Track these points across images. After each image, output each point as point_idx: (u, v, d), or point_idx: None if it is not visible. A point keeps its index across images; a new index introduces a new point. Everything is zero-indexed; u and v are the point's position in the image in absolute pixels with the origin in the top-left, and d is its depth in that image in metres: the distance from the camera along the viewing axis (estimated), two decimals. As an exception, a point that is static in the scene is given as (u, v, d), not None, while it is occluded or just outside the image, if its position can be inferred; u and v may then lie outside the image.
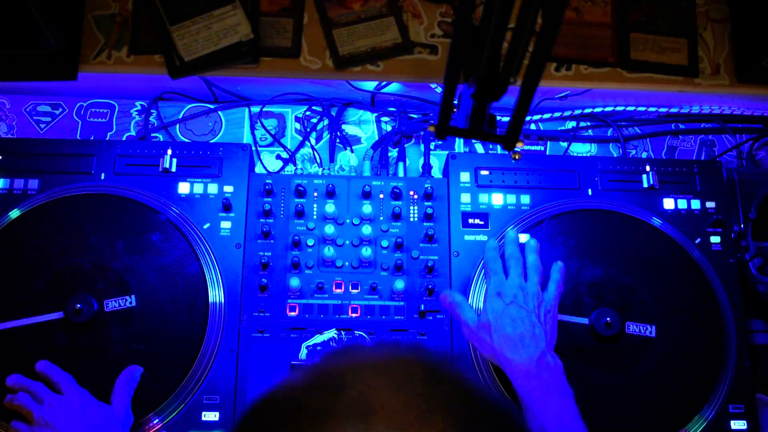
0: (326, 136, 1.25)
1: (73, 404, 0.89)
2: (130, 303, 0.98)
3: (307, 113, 1.26)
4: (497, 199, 1.08)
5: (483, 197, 1.08)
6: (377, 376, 0.36)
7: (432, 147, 1.23)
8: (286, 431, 0.34)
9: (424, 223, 1.06)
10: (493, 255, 0.96)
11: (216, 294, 1.00)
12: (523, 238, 1.05)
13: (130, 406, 0.92)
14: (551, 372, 0.83)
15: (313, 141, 1.24)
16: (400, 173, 1.19)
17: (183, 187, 1.06)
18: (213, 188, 1.06)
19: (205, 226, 1.03)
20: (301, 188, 1.06)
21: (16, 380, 0.92)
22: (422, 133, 1.24)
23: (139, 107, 1.26)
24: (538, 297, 0.90)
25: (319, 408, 0.34)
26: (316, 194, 1.07)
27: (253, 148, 1.20)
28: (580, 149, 1.28)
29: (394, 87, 1.23)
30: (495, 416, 0.37)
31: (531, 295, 0.90)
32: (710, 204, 1.08)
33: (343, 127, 1.26)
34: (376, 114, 1.27)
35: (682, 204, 1.08)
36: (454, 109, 0.76)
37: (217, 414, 0.95)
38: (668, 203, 1.08)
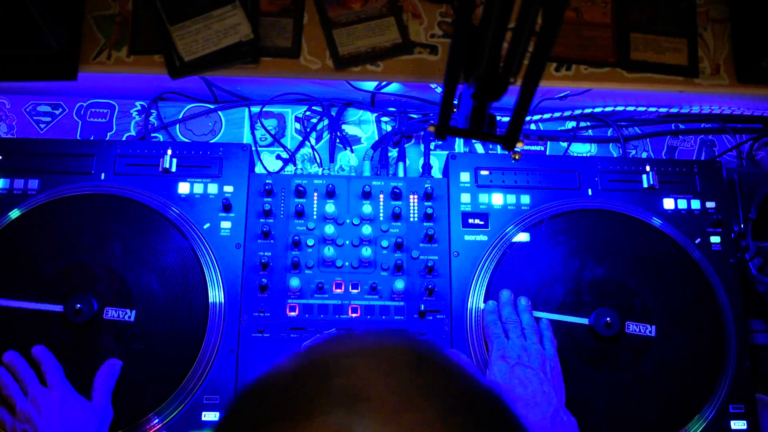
0: (326, 136, 1.25)
1: (55, 400, 0.89)
2: (129, 317, 0.97)
3: (307, 113, 1.26)
4: (497, 199, 1.08)
5: (483, 197, 1.08)
6: (365, 362, 0.36)
7: (432, 147, 1.23)
8: (273, 417, 0.33)
9: (424, 223, 1.06)
10: (492, 319, 0.99)
11: (216, 294, 1.00)
12: (524, 237, 1.05)
13: (110, 401, 0.93)
14: (565, 428, 0.85)
15: (313, 141, 1.24)
16: (400, 173, 1.19)
17: (183, 187, 1.06)
18: (213, 188, 1.06)
19: (205, 226, 1.03)
20: (301, 188, 1.06)
21: (11, 359, 0.93)
22: (422, 133, 1.24)
23: (139, 107, 1.26)
24: (541, 355, 0.93)
25: (306, 394, 0.34)
26: (316, 194, 1.07)
27: (253, 148, 1.20)
28: (580, 149, 1.28)
29: (394, 87, 1.23)
30: (483, 401, 0.37)
31: (534, 354, 0.93)
32: (710, 204, 1.08)
33: (343, 127, 1.26)
34: (376, 114, 1.27)
35: (682, 204, 1.08)
36: (454, 109, 0.76)
37: (217, 414, 0.95)
38: (668, 203, 1.08)
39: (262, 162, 1.22)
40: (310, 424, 0.32)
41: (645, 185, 1.09)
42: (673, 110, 1.27)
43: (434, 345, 0.40)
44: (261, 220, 1.05)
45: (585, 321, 1.00)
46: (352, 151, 1.23)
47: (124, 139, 1.23)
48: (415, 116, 1.25)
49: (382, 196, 1.07)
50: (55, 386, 0.91)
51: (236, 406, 0.36)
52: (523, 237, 1.05)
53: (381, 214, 1.07)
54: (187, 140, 1.24)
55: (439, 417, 0.33)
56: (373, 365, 0.36)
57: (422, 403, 0.34)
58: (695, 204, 1.08)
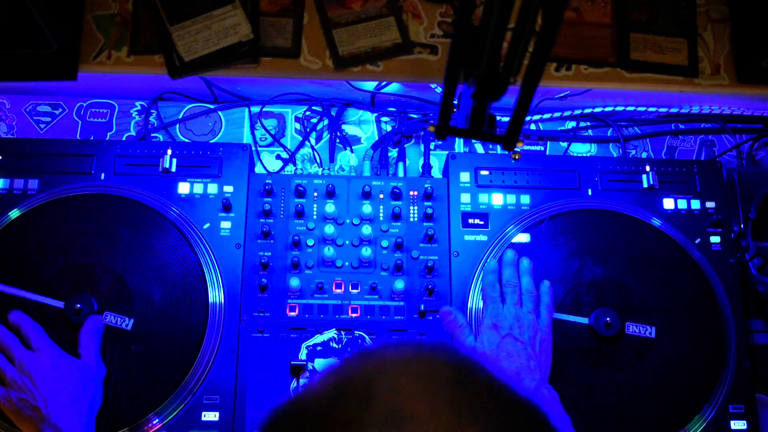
0: (326, 136, 1.25)
1: (45, 362, 0.89)
2: (126, 325, 0.97)
3: (307, 113, 1.26)
4: (497, 199, 1.08)
5: (483, 197, 1.08)
6: (403, 380, 0.35)
7: (432, 147, 1.23)
8: None
9: (424, 223, 1.06)
10: (492, 280, 0.98)
11: (216, 294, 1.00)
12: (524, 237, 1.05)
13: (99, 357, 0.93)
14: (547, 404, 0.85)
15: (313, 141, 1.24)
16: (400, 173, 1.19)
17: (183, 187, 1.06)
18: (213, 188, 1.06)
19: (205, 226, 1.03)
20: (301, 188, 1.06)
21: None
22: (422, 133, 1.24)
23: (139, 107, 1.26)
24: (533, 327, 0.92)
25: (348, 417, 0.33)
26: (316, 194, 1.07)
27: (253, 148, 1.20)
28: (580, 149, 1.28)
29: (394, 87, 1.23)
30: (524, 415, 0.37)
31: (526, 326, 0.92)
32: (710, 204, 1.08)
33: (343, 127, 1.26)
34: (376, 114, 1.27)
35: (682, 204, 1.08)
36: (454, 109, 0.76)
37: (217, 414, 0.95)
38: (668, 203, 1.08)
39: (262, 162, 1.22)
40: None
41: (645, 185, 1.09)
42: (673, 110, 1.27)
43: (468, 356, 0.39)
44: (261, 220, 1.05)
45: (585, 321, 1.00)
46: (352, 151, 1.23)
47: (124, 139, 1.23)
48: (415, 116, 1.25)
49: (382, 196, 1.07)
50: (42, 348, 0.91)
51: (272, 428, 0.36)
52: (523, 237, 1.05)
53: (381, 214, 1.07)
54: (187, 140, 1.24)
55: (480, 425, 0.33)
56: (413, 383, 0.35)
57: (467, 424, 0.33)
58: (695, 204, 1.08)
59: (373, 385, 0.35)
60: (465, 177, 1.09)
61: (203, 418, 0.95)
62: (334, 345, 1.00)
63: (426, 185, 1.07)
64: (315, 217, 1.06)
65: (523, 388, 0.84)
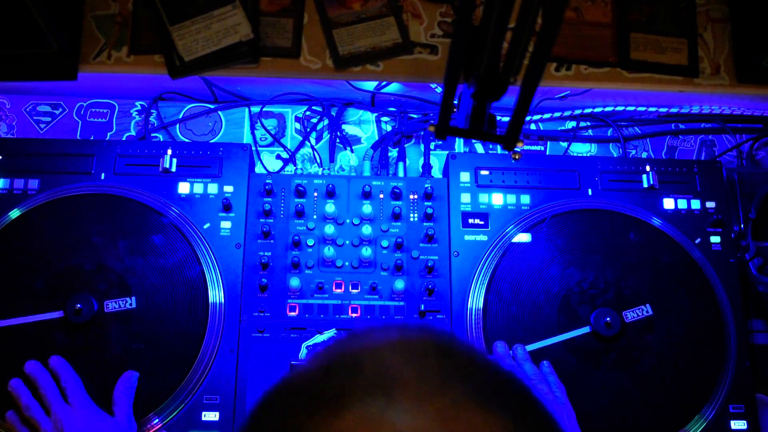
0: (326, 136, 1.25)
1: (79, 419, 0.88)
2: (130, 305, 0.98)
3: (307, 113, 1.26)
4: (497, 199, 1.08)
5: (483, 197, 1.08)
6: (390, 353, 0.36)
7: (432, 147, 1.23)
8: (307, 413, 0.33)
9: (424, 223, 1.06)
10: None
11: (216, 294, 1.00)
12: (524, 237, 1.05)
13: (132, 415, 0.92)
14: None
15: (313, 141, 1.24)
16: (400, 173, 1.19)
17: (183, 187, 1.06)
18: (213, 188, 1.06)
19: (205, 226, 1.04)
20: (301, 188, 1.06)
21: (33, 370, 0.92)
22: (422, 133, 1.24)
23: (139, 107, 1.26)
24: (556, 405, 0.90)
25: (338, 387, 0.34)
26: (316, 194, 1.07)
27: (253, 148, 1.20)
28: (580, 149, 1.28)
29: (394, 87, 1.23)
30: (507, 381, 0.37)
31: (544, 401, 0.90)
32: (710, 204, 1.08)
33: (343, 127, 1.26)
34: (376, 114, 1.27)
35: (682, 204, 1.08)
36: (454, 109, 0.76)
37: (217, 414, 0.95)
38: (668, 203, 1.08)
39: (262, 162, 1.22)
40: (346, 414, 0.32)
41: (645, 185, 1.09)
42: (673, 110, 1.27)
43: (452, 333, 0.40)
44: (261, 220, 1.05)
45: (587, 329, 0.99)
46: (352, 151, 1.23)
47: (124, 139, 1.23)
48: (415, 116, 1.25)
49: (382, 196, 1.07)
50: (77, 404, 0.90)
51: (264, 406, 0.36)
52: (523, 237, 1.05)
53: (381, 214, 1.07)
54: (187, 140, 1.24)
55: (471, 396, 0.33)
56: (400, 355, 0.36)
57: (453, 385, 0.34)
58: (695, 204, 1.08)
59: (361, 358, 0.36)
60: (465, 177, 1.09)
61: (203, 418, 0.95)
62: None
63: (426, 185, 1.07)
64: (315, 217, 1.06)
65: None
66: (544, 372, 0.95)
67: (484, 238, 1.05)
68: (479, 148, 1.26)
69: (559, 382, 0.94)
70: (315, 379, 0.36)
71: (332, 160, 1.21)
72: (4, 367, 0.94)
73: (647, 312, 1.00)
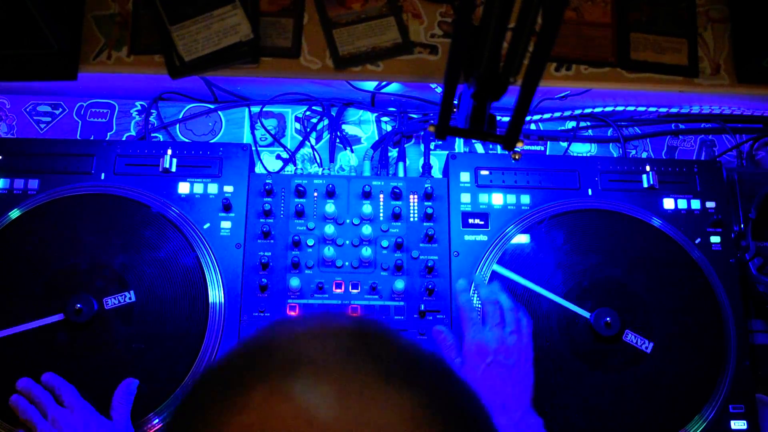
0: (326, 136, 1.25)
1: (77, 420, 0.89)
2: (130, 299, 0.98)
3: (307, 113, 1.26)
4: (497, 199, 1.08)
5: (483, 197, 1.08)
6: (307, 334, 0.37)
7: (432, 147, 1.23)
8: (221, 392, 0.34)
9: (424, 223, 1.06)
10: (467, 299, 0.96)
11: (216, 294, 1.00)
12: (524, 238, 1.05)
13: (129, 420, 0.92)
14: (532, 429, 0.84)
15: (313, 141, 1.24)
16: (400, 173, 1.19)
17: (183, 187, 1.06)
18: (213, 188, 1.06)
19: (205, 226, 1.04)
20: (301, 188, 1.06)
21: (25, 385, 0.92)
22: (422, 133, 1.24)
23: (139, 107, 1.26)
24: (518, 348, 0.89)
25: (250, 367, 0.35)
26: (316, 194, 1.07)
27: (253, 148, 1.20)
28: (580, 149, 1.28)
29: (394, 87, 1.23)
30: (424, 364, 0.37)
31: (512, 347, 0.89)
32: (710, 204, 1.08)
33: (343, 127, 1.26)
34: (376, 114, 1.27)
35: (682, 204, 1.08)
36: (454, 109, 0.76)
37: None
38: (668, 203, 1.08)
39: (262, 162, 1.22)
40: (253, 392, 0.33)
41: (645, 185, 1.09)
42: (673, 110, 1.27)
43: (379, 322, 0.40)
44: (261, 220, 1.05)
45: (587, 314, 0.99)
46: (352, 151, 1.23)
47: (124, 139, 1.23)
48: (415, 116, 1.25)
49: (382, 196, 1.07)
50: (74, 407, 0.90)
51: (192, 388, 0.38)
52: (523, 237, 1.05)
53: (381, 214, 1.07)
54: (187, 140, 1.24)
55: (380, 376, 0.34)
56: (314, 339, 0.37)
57: (363, 364, 0.34)
58: (695, 204, 1.08)
59: (276, 342, 0.37)
60: (465, 177, 1.09)
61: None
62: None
63: (426, 185, 1.07)
64: (315, 217, 1.06)
65: (506, 416, 0.83)
66: (520, 316, 0.93)
67: (484, 238, 1.05)
68: (479, 148, 1.26)
69: (529, 322, 0.92)
70: (232, 362, 0.37)
71: (332, 160, 1.21)
72: (8, 373, 0.94)
73: (646, 348, 1.00)
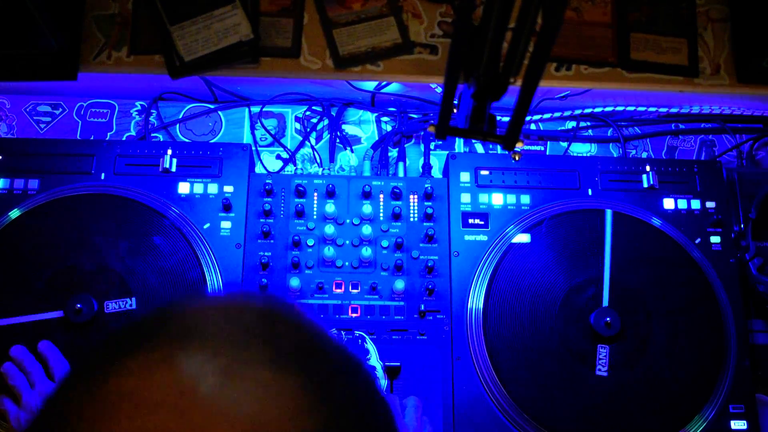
0: (326, 136, 1.25)
1: None
2: (131, 305, 0.98)
3: (307, 113, 1.26)
4: (497, 199, 1.08)
5: (483, 197, 1.08)
6: (205, 310, 0.37)
7: (432, 147, 1.23)
8: (114, 353, 0.34)
9: (424, 223, 1.06)
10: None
11: (216, 294, 1.00)
12: (524, 238, 1.05)
13: None
14: None
15: (313, 141, 1.24)
16: (400, 173, 1.19)
17: (183, 187, 1.06)
18: (213, 188, 1.06)
19: (205, 226, 1.03)
20: (301, 188, 1.06)
21: (17, 353, 0.93)
22: (422, 133, 1.24)
23: (139, 107, 1.26)
24: None
25: (145, 331, 0.35)
26: (316, 194, 1.07)
27: (253, 148, 1.20)
28: (580, 149, 1.28)
29: (394, 87, 1.23)
30: (323, 354, 0.37)
31: None
32: (710, 204, 1.08)
33: (343, 127, 1.26)
34: (376, 114, 1.27)
35: (682, 204, 1.08)
36: (454, 109, 0.76)
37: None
38: (668, 203, 1.08)
39: (262, 162, 1.22)
40: (141, 354, 0.32)
41: (645, 185, 1.09)
42: (673, 110, 1.27)
43: (295, 305, 0.40)
44: (261, 220, 1.05)
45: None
46: (352, 151, 1.23)
47: (124, 139, 1.23)
48: (415, 116, 1.25)
49: (382, 196, 1.07)
50: None
51: (94, 346, 0.38)
52: (523, 237, 1.05)
53: (381, 214, 1.07)
54: (187, 140, 1.24)
55: (270, 360, 0.33)
56: (220, 311, 0.36)
57: (256, 345, 0.34)
58: (695, 204, 1.08)
59: (175, 313, 0.37)
60: (465, 177, 1.09)
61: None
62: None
63: (426, 185, 1.07)
64: (315, 217, 1.06)
65: None
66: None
67: (484, 238, 1.05)
68: (479, 148, 1.26)
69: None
70: (134, 324, 0.37)
71: (332, 160, 1.21)
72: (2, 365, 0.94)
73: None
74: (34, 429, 0.33)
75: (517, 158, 0.86)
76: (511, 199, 1.08)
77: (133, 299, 0.98)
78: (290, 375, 0.33)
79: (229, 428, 0.30)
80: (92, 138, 1.23)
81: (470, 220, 1.06)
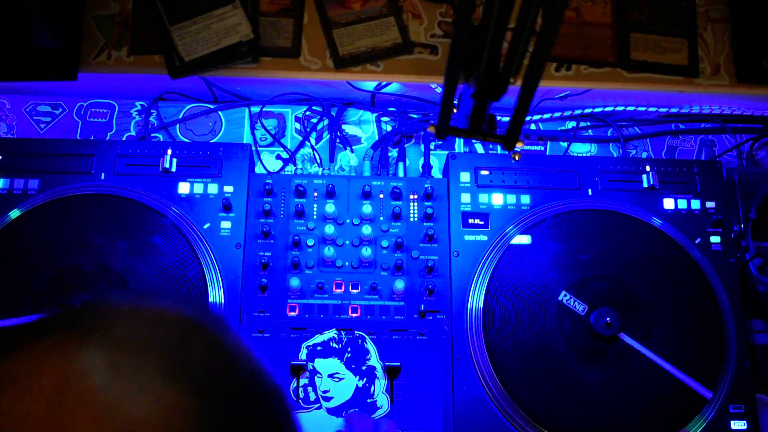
0: (326, 136, 1.25)
1: None
2: None
3: (307, 113, 1.26)
4: (497, 199, 1.08)
5: (483, 197, 1.08)
6: (126, 312, 0.37)
7: (432, 147, 1.23)
8: (24, 333, 0.35)
9: (424, 223, 1.06)
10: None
11: (216, 294, 1.00)
12: (524, 239, 1.05)
13: None
14: None
15: (313, 141, 1.24)
16: (400, 173, 1.19)
17: (183, 187, 1.06)
18: (213, 188, 1.06)
19: (205, 226, 1.04)
20: (301, 188, 1.06)
21: None
22: (422, 133, 1.24)
23: (139, 107, 1.26)
24: None
25: (56, 321, 0.36)
26: (316, 194, 1.07)
27: (253, 148, 1.20)
28: (580, 149, 1.28)
29: (394, 87, 1.23)
30: (231, 382, 0.37)
31: None
32: (710, 204, 1.08)
33: (343, 127, 1.26)
34: (376, 114, 1.27)
35: (682, 204, 1.08)
36: (454, 109, 0.76)
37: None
38: (668, 203, 1.08)
39: (262, 162, 1.22)
40: (39, 343, 0.33)
41: (645, 185, 1.09)
42: (673, 110, 1.27)
43: (221, 319, 0.40)
44: (261, 220, 1.05)
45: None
46: (352, 151, 1.23)
47: (124, 139, 1.23)
48: (415, 116, 1.25)
49: (382, 196, 1.07)
50: None
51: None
52: (523, 237, 1.05)
53: (381, 214, 1.07)
54: (187, 140, 1.24)
55: (165, 369, 0.33)
56: (138, 313, 0.37)
57: (155, 353, 0.34)
58: (695, 204, 1.08)
59: (95, 309, 0.37)
60: (465, 177, 1.09)
61: None
62: (334, 345, 1.00)
63: (426, 185, 1.07)
64: (315, 217, 1.06)
65: None
66: None
67: (484, 238, 1.05)
68: (479, 148, 1.26)
69: None
70: (49, 317, 0.37)
71: (332, 160, 1.21)
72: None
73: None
74: None
75: (517, 158, 0.86)
76: (511, 199, 1.08)
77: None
78: (179, 389, 0.33)
79: (103, 424, 0.30)
80: (92, 138, 1.23)
81: (470, 220, 1.06)
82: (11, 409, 0.30)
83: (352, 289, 1.03)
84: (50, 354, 0.32)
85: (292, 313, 1.01)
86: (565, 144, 1.27)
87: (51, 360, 0.32)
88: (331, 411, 0.96)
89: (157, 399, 0.32)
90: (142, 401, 0.32)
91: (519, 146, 0.78)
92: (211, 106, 1.26)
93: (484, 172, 1.09)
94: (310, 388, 0.97)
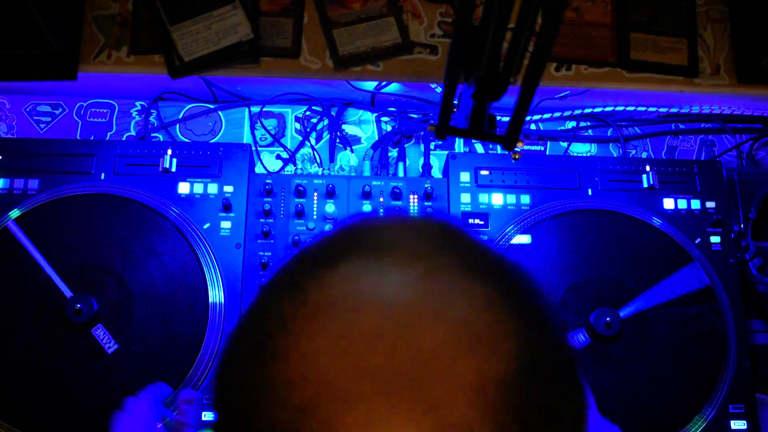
0: (326, 136, 1.25)
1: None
2: (109, 348, 0.95)
3: (307, 113, 1.26)
4: (497, 199, 1.08)
5: (483, 197, 1.08)
6: (393, 225, 0.38)
7: (432, 147, 1.23)
8: (308, 269, 0.35)
9: (424, 223, 1.06)
10: None
11: (216, 294, 1.00)
12: (524, 238, 1.05)
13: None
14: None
15: (313, 141, 1.24)
16: (400, 173, 1.19)
17: (183, 187, 1.06)
18: (213, 188, 1.06)
19: (205, 226, 1.03)
20: (301, 188, 1.06)
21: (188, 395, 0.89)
22: (422, 133, 1.24)
23: (139, 107, 1.26)
24: None
25: (337, 248, 0.36)
26: (316, 194, 1.07)
27: (253, 148, 1.20)
28: (580, 149, 1.28)
29: (394, 87, 1.23)
30: (507, 264, 0.38)
31: None
32: (710, 204, 1.08)
33: (343, 127, 1.26)
34: (376, 114, 1.27)
35: (682, 204, 1.08)
36: (454, 109, 0.76)
37: (217, 414, 0.95)
38: (668, 203, 1.08)
39: (262, 162, 1.22)
40: (336, 271, 0.33)
41: (645, 185, 1.09)
42: (673, 110, 1.27)
43: (461, 223, 0.41)
44: (261, 220, 1.05)
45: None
46: (352, 151, 1.23)
47: (124, 139, 1.23)
48: (415, 116, 1.25)
49: (382, 196, 1.07)
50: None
51: (279, 268, 0.40)
52: (523, 237, 1.05)
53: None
54: (187, 140, 1.24)
55: (460, 264, 0.34)
56: (402, 228, 0.38)
57: (449, 254, 0.35)
58: (695, 204, 1.08)
59: (365, 229, 0.38)
60: (465, 177, 1.09)
61: (203, 418, 0.95)
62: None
63: (426, 185, 1.07)
64: (315, 217, 1.06)
65: None
66: None
67: (484, 238, 1.05)
68: (479, 148, 1.26)
69: None
70: (321, 244, 0.38)
71: (332, 160, 1.21)
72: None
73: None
74: (237, 346, 0.34)
75: (516, 158, 0.86)
76: (511, 199, 1.08)
77: (115, 346, 0.95)
78: (484, 283, 0.33)
79: (441, 327, 0.30)
80: (92, 138, 1.23)
81: (470, 220, 1.06)
82: (344, 329, 0.30)
83: (352, 289, 1.03)
84: (357, 275, 0.33)
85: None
86: (565, 144, 1.27)
87: (362, 280, 0.32)
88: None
89: (470, 295, 0.32)
90: (458, 298, 0.32)
91: (519, 146, 0.78)
92: (211, 106, 1.26)
93: (484, 172, 1.09)
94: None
